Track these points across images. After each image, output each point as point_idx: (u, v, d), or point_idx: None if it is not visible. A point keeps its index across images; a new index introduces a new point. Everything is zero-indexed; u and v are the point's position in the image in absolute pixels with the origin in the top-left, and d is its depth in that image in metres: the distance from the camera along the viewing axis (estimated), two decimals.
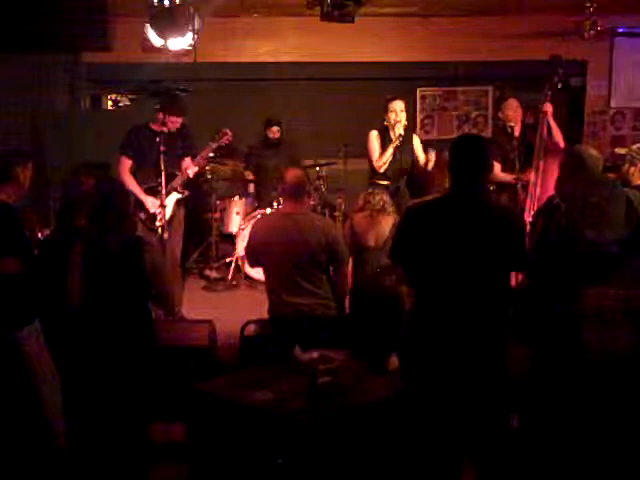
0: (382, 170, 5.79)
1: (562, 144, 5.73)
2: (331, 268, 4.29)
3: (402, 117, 5.81)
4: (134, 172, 5.75)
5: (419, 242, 3.27)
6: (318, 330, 4.06)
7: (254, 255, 4.37)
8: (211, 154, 6.11)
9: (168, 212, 5.66)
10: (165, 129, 5.63)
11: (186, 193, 5.86)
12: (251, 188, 7.64)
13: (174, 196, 5.75)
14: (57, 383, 3.98)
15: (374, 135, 5.95)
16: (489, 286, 3.20)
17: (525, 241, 3.41)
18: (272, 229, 4.28)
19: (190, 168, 5.82)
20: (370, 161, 5.97)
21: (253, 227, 4.63)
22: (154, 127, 5.69)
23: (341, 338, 4.01)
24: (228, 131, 6.05)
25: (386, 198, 4.64)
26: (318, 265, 4.20)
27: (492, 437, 3.23)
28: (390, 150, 5.78)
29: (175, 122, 5.70)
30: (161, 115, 5.68)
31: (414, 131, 5.95)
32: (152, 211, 5.69)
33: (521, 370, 3.43)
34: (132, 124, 5.89)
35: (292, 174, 4.33)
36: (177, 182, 5.77)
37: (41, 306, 3.95)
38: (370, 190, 4.70)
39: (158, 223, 5.71)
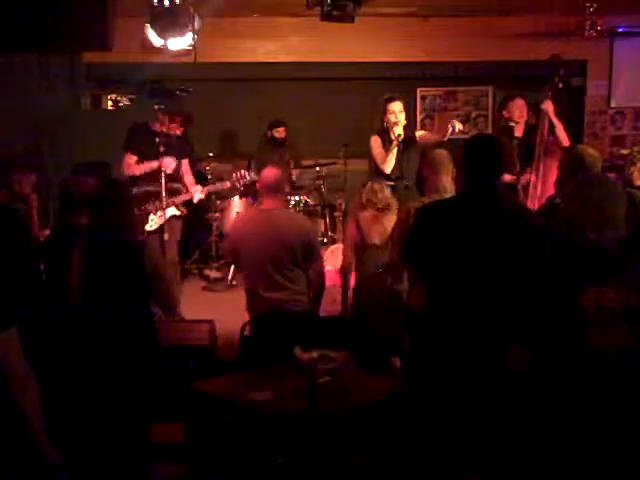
0: (388, 171, 5.78)
1: (567, 142, 5.71)
2: (306, 264, 4.31)
3: (401, 117, 5.80)
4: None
5: (434, 243, 3.24)
6: (293, 324, 4.12)
7: (232, 251, 4.45)
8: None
9: (160, 221, 5.67)
10: (165, 130, 5.65)
11: (184, 213, 5.87)
12: (251, 188, 7.65)
13: (171, 211, 5.73)
14: (35, 393, 3.90)
15: (374, 139, 5.94)
16: (505, 287, 3.18)
17: (543, 241, 3.38)
18: (249, 225, 4.36)
19: (196, 194, 5.86)
20: (374, 164, 5.96)
21: (232, 224, 4.69)
22: (154, 127, 5.70)
23: (341, 338, 4.02)
24: (246, 174, 6.13)
25: (388, 194, 4.64)
26: (294, 260, 4.25)
27: (497, 438, 3.23)
28: (393, 152, 5.76)
29: (177, 122, 5.72)
30: (161, 115, 5.70)
31: (416, 129, 5.94)
32: (168, 170, 5.61)
33: (521, 370, 3.43)
34: (132, 122, 5.91)
35: (269, 171, 4.39)
36: (178, 199, 5.77)
37: (25, 311, 3.93)
38: (371, 186, 4.67)
39: (148, 228, 5.70)
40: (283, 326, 4.14)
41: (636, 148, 4.77)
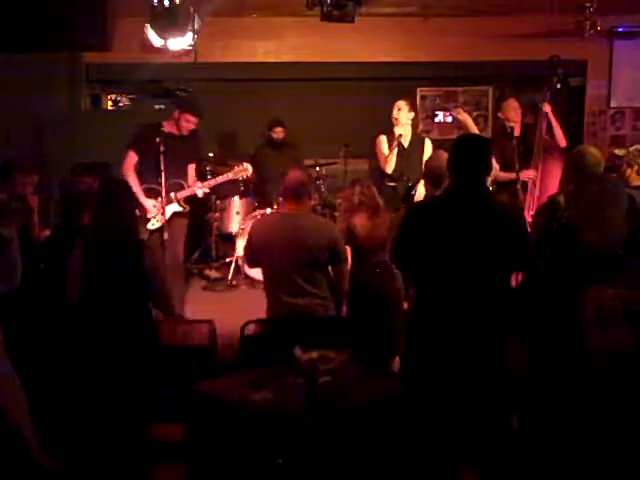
0: (389, 171, 5.77)
1: (564, 143, 5.73)
2: (330, 268, 4.29)
3: (401, 117, 5.80)
4: (139, 170, 5.76)
5: (422, 242, 3.27)
6: (317, 330, 4.05)
7: (253, 255, 4.37)
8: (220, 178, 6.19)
9: (162, 220, 5.67)
10: (176, 130, 5.64)
11: (187, 209, 5.86)
12: (251, 188, 7.65)
13: (173, 207, 5.73)
14: (20, 396, 3.85)
15: (379, 139, 5.93)
16: (492, 285, 3.21)
17: (528, 239, 3.41)
18: (272, 229, 4.27)
19: (201, 187, 5.84)
20: (379, 163, 5.97)
21: (253, 227, 4.62)
22: (166, 127, 5.68)
23: (340, 338, 4.00)
24: (249, 167, 6.10)
25: (376, 194, 4.62)
26: (318, 265, 4.19)
27: (494, 438, 3.24)
28: (393, 152, 5.76)
29: (190, 122, 5.71)
30: (177, 113, 5.70)
31: (418, 131, 5.95)
32: (150, 215, 5.68)
33: (521, 370, 3.43)
34: (135, 123, 5.91)
35: (294, 174, 4.32)
36: (181, 195, 5.77)
37: (14, 310, 3.92)
38: (360, 190, 4.63)
39: (150, 226, 5.70)
40: (308, 331, 4.06)
41: (632, 149, 4.79)
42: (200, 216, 7.67)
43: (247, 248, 4.45)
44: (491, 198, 3.43)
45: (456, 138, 3.50)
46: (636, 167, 4.60)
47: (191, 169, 5.97)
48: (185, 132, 5.71)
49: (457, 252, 3.18)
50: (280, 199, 4.55)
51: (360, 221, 4.54)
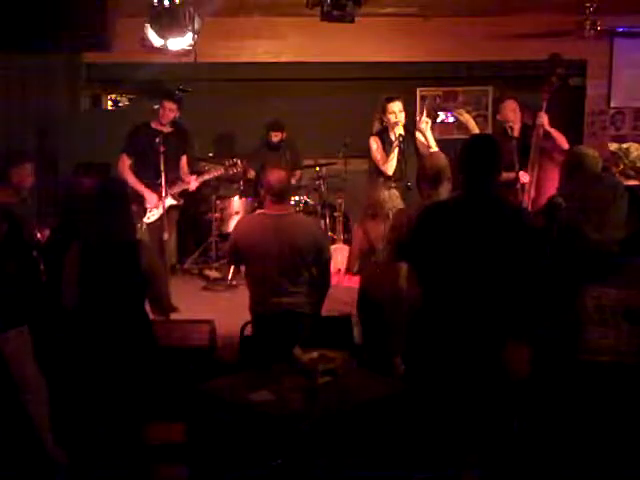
0: (390, 173, 5.77)
1: (566, 145, 5.72)
2: (314, 266, 4.30)
3: (401, 117, 5.80)
4: (135, 171, 5.89)
5: (433, 244, 3.26)
6: (300, 328, 4.11)
7: (237, 255, 4.43)
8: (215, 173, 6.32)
9: (158, 213, 5.79)
10: (164, 127, 5.75)
11: (181, 202, 6.02)
12: (251, 188, 7.65)
13: (169, 201, 5.87)
14: (44, 393, 3.95)
15: (374, 140, 5.93)
16: (500, 287, 3.19)
17: (539, 240, 3.38)
18: (259, 230, 4.29)
19: (192, 182, 6.00)
20: (376, 165, 5.96)
21: (236, 228, 4.64)
22: (154, 125, 5.84)
23: (320, 336, 4.02)
24: (239, 162, 6.18)
25: (398, 202, 4.66)
26: (303, 265, 4.22)
27: (495, 439, 3.23)
28: (394, 152, 5.76)
29: (171, 110, 5.87)
30: (161, 111, 5.86)
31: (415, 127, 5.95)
32: (149, 207, 5.84)
33: (522, 372, 3.43)
34: (133, 123, 6.06)
35: (276, 175, 4.33)
36: (175, 190, 5.93)
37: (32, 310, 3.94)
38: (383, 195, 4.66)
39: (146, 220, 5.84)
40: (294, 328, 4.11)
41: (624, 146, 4.75)
42: (200, 216, 7.68)
43: (230, 247, 4.49)
44: (503, 201, 3.40)
45: (465, 140, 3.46)
46: (622, 166, 4.53)
47: (183, 159, 6.23)
48: (166, 121, 5.93)
49: (468, 255, 3.17)
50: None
51: (372, 226, 4.57)
